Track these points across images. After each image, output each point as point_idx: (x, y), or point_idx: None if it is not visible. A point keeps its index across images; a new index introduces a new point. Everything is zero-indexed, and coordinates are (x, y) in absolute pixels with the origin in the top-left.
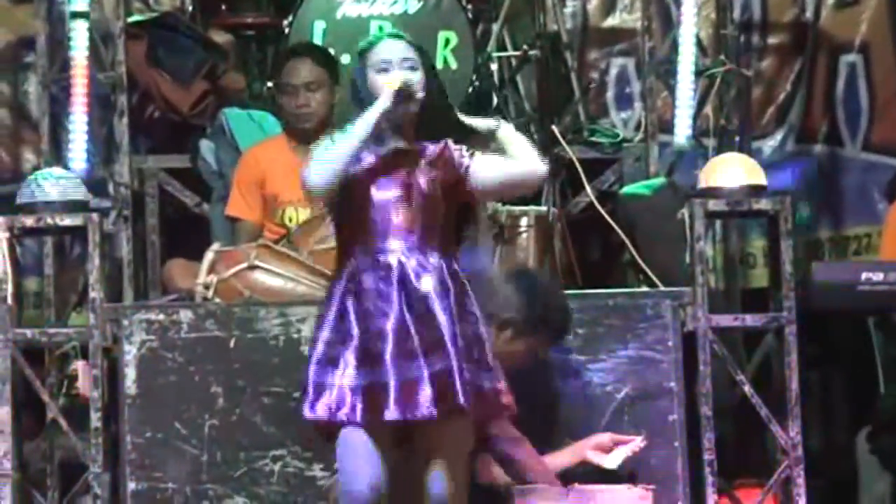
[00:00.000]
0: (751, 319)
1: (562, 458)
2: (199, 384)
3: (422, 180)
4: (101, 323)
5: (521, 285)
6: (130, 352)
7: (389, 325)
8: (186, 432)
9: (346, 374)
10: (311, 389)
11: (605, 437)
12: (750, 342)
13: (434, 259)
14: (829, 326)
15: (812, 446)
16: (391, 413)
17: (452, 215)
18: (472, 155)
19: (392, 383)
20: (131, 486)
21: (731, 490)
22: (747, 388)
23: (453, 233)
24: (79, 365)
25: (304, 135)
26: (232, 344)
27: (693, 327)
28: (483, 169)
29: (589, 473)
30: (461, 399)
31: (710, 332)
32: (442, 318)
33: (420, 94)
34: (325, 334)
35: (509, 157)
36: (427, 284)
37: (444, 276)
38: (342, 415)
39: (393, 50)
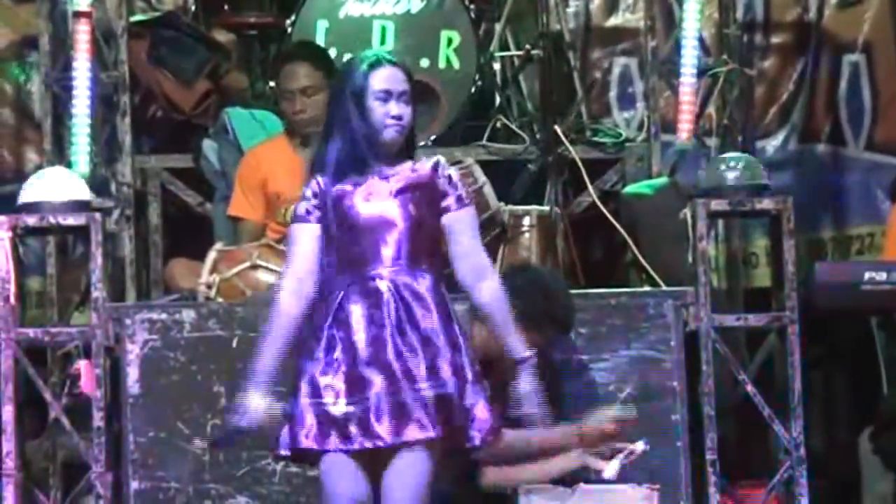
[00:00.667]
0: (753, 319)
1: (560, 463)
2: (201, 383)
3: (409, 204)
4: (103, 322)
5: (524, 280)
6: (133, 351)
7: (382, 348)
8: (189, 432)
9: (337, 404)
10: (303, 419)
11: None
12: (752, 342)
13: (422, 283)
14: (832, 326)
15: (814, 446)
16: (377, 439)
17: (440, 235)
18: (459, 200)
19: (384, 408)
20: (134, 485)
21: (733, 490)
22: (750, 388)
23: (439, 254)
24: (81, 364)
25: (305, 136)
26: (234, 343)
27: (695, 327)
28: (463, 231)
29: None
30: (458, 421)
31: (713, 331)
32: (434, 342)
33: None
34: (310, 363)
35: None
36: (417, 308)
37: (433, 300)
38: (332, 444)
39: (393, 79)
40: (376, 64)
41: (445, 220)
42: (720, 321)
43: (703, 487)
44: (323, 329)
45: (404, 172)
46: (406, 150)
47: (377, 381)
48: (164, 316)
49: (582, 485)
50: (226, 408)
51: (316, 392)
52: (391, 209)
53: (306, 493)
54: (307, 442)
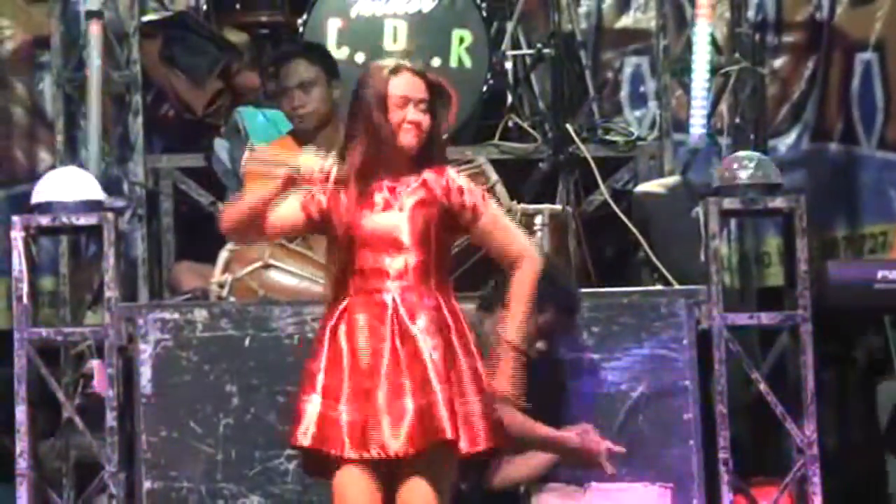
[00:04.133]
0: (766, 318)
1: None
2: (213, 383)
3: (419, 220)
4: (116, 322)
5: None
6: (145, 351)
7: (382, 362)
8: (201, 431)
9: (338, 407)
10: (302, 420)
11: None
12: (765, 341)
13: (430, 298)
14: (845, 325)
15: (827, 445)
16: (377, 449)
17: (449, 249)
18: (475, 211)
19: (383, 419)
20: (147, 485)
21: (746, 488)
22: (763, 387)
23: (449, 266)
24: (94, 364)
25: (307, 134)
26: (246, 343)
27: (708, 325)
28: (488, 234)
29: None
30: (448, 432)
31: (726, 330)
32: (432, 355)
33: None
34: (317, 367)
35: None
36: (420, 322)
37: (439, 315)
38: (332, 449)
39: (413, 87)
40: (397, 70)
41: (473, 233)
42: (733, 320)
43: (716, 486)
44: (327, 333)
45: (416, 187)
46: (426, 159)
47: (377, 393)
48: (176, 316)
49: (594, 483)
50: None
51: (320, 394)
52: (401, 224)
53: (318, 492)
54: (306, 440)
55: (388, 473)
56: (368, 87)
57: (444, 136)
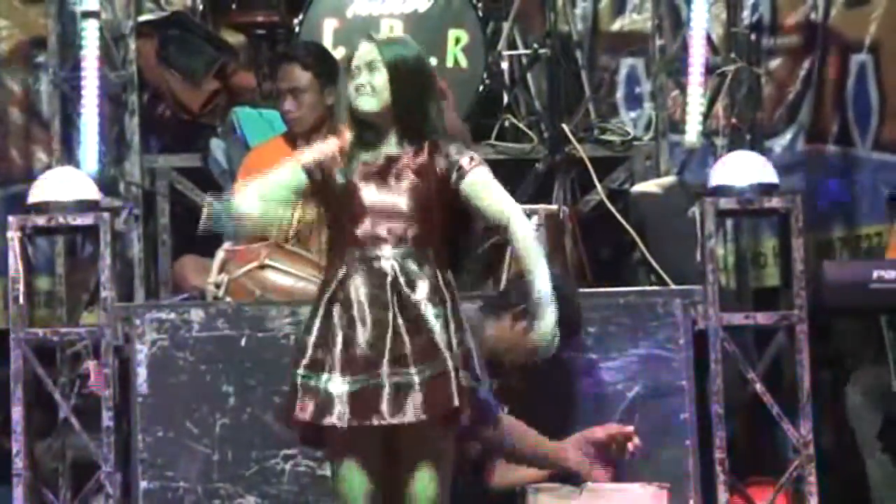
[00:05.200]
0: (762, 317)
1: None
2: (210, 383)
3: (414, 190)
4: (112, 322)
5: None
6: (142, 351)
7: (385, 332)
8: (198, 431)
9: (333, 380)
10: (298, 394)
11: (600, 433)
12: (761, 341)
13: (427, 267)
14: (841, 324)
15: (824, 445)
16: (382, 417)
17: (447, 223)
18: (460, 170)
19: (385, 388)
20: (143, 485)
21: (742, 488)
22: (759, 386)
23: (447, 242)
24: (90, 364)
25: (299, 137)
26: (243, 343)
27: (704, 325)
28: (474, 194)
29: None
30: (456, 402)
31: (722, 330)
32: (434, 324)
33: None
34: (311, 339)
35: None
36: (421, 291)
37: (438, 284)
38: (330, 420)
39: (362, 53)
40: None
41: (460, 192)
42: (729, 320)
43: (713, 486)
44: (321, 305)
45: (409, 158)
46: (415, 129)
47: (380, 363)
48: (172, 315)
49: (590, 483)
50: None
51: (309, 366)
52: (397, 196)
53: (315, 492)
54: (305, 415)
55: (388, 446)
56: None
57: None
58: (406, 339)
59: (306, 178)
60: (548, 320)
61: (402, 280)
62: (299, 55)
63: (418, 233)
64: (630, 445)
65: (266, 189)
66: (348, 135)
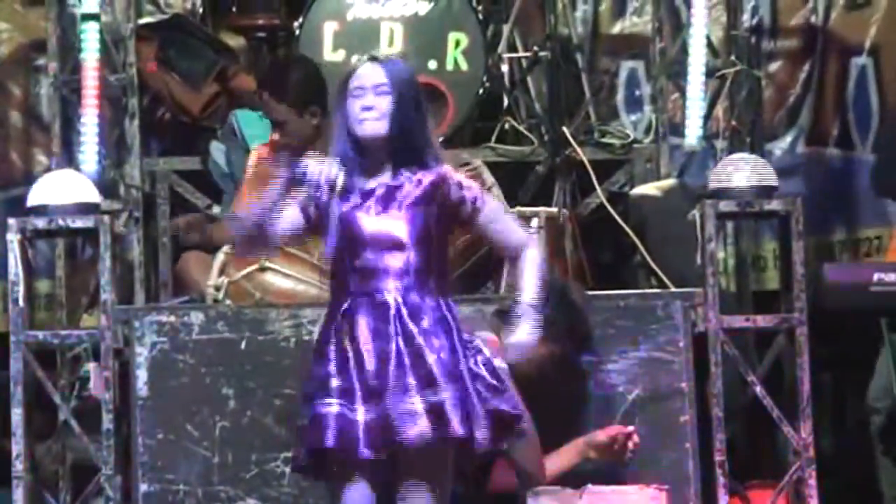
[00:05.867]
0: (762, 320)
1: (563, 459)
2: (210, 386)
3: (417, 219)
4: (112, 325)
5: (553, 291)
6: (142, 353)
7: (388, 363)
8: (198, 434)
9: (355, 410)
10: (323, 423)
11: (601, 436)
12: (761, 344)
13: (431, 297)
14: (841, 327)
15: (824, 447)
16: (388, 446)
17: (447, 250)
18: (475, 203)
19: (391, 416)
20: (143, 487)
21: (742, 491)
22: (759, 389)
23: (448, 266)
24: (90, 367)
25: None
26: (243, 346)
27: (704, 328)
28: (490, 226)
29: (598, 472)
30: (460, 430)
31: (722, 332)
32: (437, 355)
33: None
34: (328, 371)
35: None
36: (425, 324)
37: (442, 314)
38: (352, 450)
39: (368, 75)
40: (359, 65)
41: (473, 227)
42: (729, 323)
43: (713, 488)
44: (331, 336)
45: (414, 186)
46: (418, 157)
47: (384, 394)
48: (172, 318)
49: (590, 486)
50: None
51: (332, 395)
52: (399, 225)
53: (315, 495)
54: (330, 442)
55: (389, 475)
56: (336, 88)
57: (438, 137)
58: (409, 370)
59: (303, 221)
60: (525, 330)
61: (404, 312)
62: (273, 87)
63: (419, 262)
64: (630, 444)
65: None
66: (341, 162)
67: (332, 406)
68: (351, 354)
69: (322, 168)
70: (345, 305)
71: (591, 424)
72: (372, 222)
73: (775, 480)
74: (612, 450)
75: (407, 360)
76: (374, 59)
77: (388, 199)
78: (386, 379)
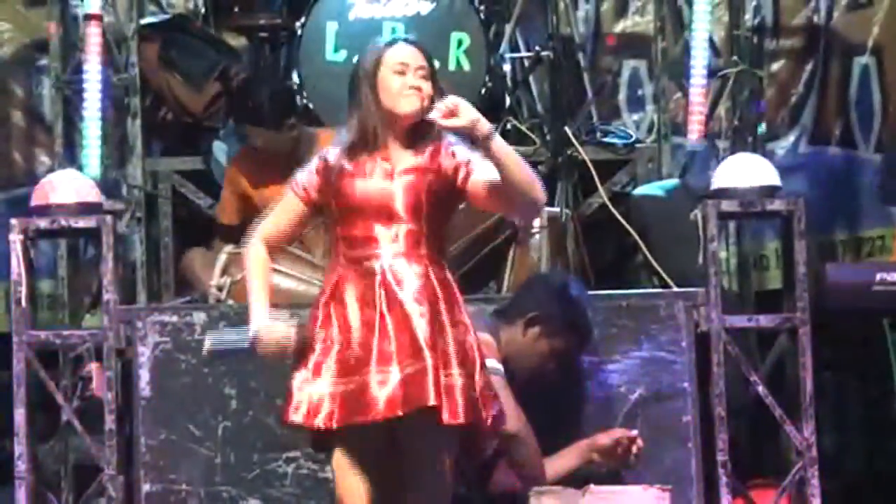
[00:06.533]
0: (764, 320)
1: (565, 461)
2: (212, 386)
3: (411, 188)
4: (114, 325)
5: (548, 287)
6: (144, 354)
7: (373, 332)
8: (200, 434)
9: (327, 381)
10: (293, 396)
11: (605, 439)
12: (764, 343)
13: (419, 266)
14: (844, 327)
15: (826, 447)
16: (369, 414)
17: (444, 221)
18: (469, 163)
19: (371, 386)
20: (145, 487)
21: (745, 491)
22: (761, 389)
23: (443, 239)
24: (93, 367)
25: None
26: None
27: (706, 328)
28: (485, 177)
29: (600, 473)
30: (431, 398)
31: (724, 332)
32: (420, 323)
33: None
34: (312, 342)
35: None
36: (408, 289)
37: (430, 283)
38: (320, 421)
39: (411, 55)
40: (392, 42)
41: (469, 188)
42: (731, 322)
43: (715, 488)
44: (319, 307)
45: (410, 157)
46: (422, 134)
47: (368, 361)
48: (175, 318)
49: (592, 486)
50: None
51: (311, 370)
52: (393, 193)
53: (317, 495)
54: (297, 417)
55: (387, 444)
56: (363, 63)
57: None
58: (392, 337)
59: (306, 208)
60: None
61: (389, 278)
62: (252, 116)
63: (411, 231)
64: (634, 448)
65: (272, 235)
66: (340, 137)
67: (302, 379)
68: (337, 327)
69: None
70: (335, 277)
71: (592, 424)
72: (365, 189)
73: (778, 480)
74: (615, 453)
75: (389, 327)
76: (412, 42)
77: (383, 169)
78: (369, 347)
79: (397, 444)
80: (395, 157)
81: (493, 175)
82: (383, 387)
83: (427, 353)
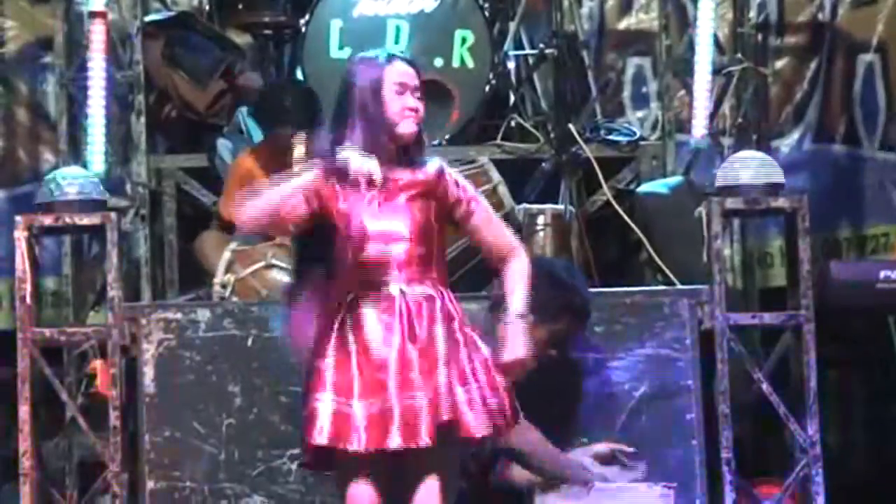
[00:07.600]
0: (768, 317)
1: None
2: (216, 383)
3: (417, 213)
4: (119, 322)
5: (537, 273)
6: (148, 351)
7: (392, 355)
8: (204, 431)
9: (348, 404)
10: (316, 419)
11: (603, 448)
12: (768, 341)
13: (433, 289)
14: (848, 325)
15: (830, 444)
16: (394, 441)
17: (444, 241)
18: (469, 205)
19: (396, 412)
20: (150, 484)
21: (749, 488)
22: (765, 386)
23: (446, 261)
24: (97, 364)
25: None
26: (249, 343)
27: (711, 325)
28: (480, 230)
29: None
30: (446, 415)
31: (728, 330)
32: (440, 346)
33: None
34: (325, 364)
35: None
36: (428, 314)
37: (445, 304)
38: (345, 444)
39: (409, 75)
40: (391, 58)
41: (468, 225)
42: (735, 320)
43: (719, 486)
44: (333, 330)
45: (411, 179)
46: (415, 150)
47: (389, 386)
48: (179, 315)
49: (597, 483)
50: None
51: (332, 391)
52: (401, 219)
53: (321, 492)
54: (322, 439)
55: (396, 466)
56: (362, 76)
57: (445, 134)
58: (415, 363)
59: (305, 209)
60: (517, 344)
61: (410, 303)
62: (304, 125)
63: (421, 253)
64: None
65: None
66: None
67: (326, 401)
68: (354, 347)
69: (362, 162)
70: (348, 297)
71: (596, 422)
72: (376, 216)
73: (782, 477)
74: (612, 463)
75: (411, 354)
76: (409, 62)
77: (387, 193)
78: (389, 371)
79: (406, 463)
80: (398, 179)
81: (490, 224)
82: (413, 417)
83: (443, 371)
